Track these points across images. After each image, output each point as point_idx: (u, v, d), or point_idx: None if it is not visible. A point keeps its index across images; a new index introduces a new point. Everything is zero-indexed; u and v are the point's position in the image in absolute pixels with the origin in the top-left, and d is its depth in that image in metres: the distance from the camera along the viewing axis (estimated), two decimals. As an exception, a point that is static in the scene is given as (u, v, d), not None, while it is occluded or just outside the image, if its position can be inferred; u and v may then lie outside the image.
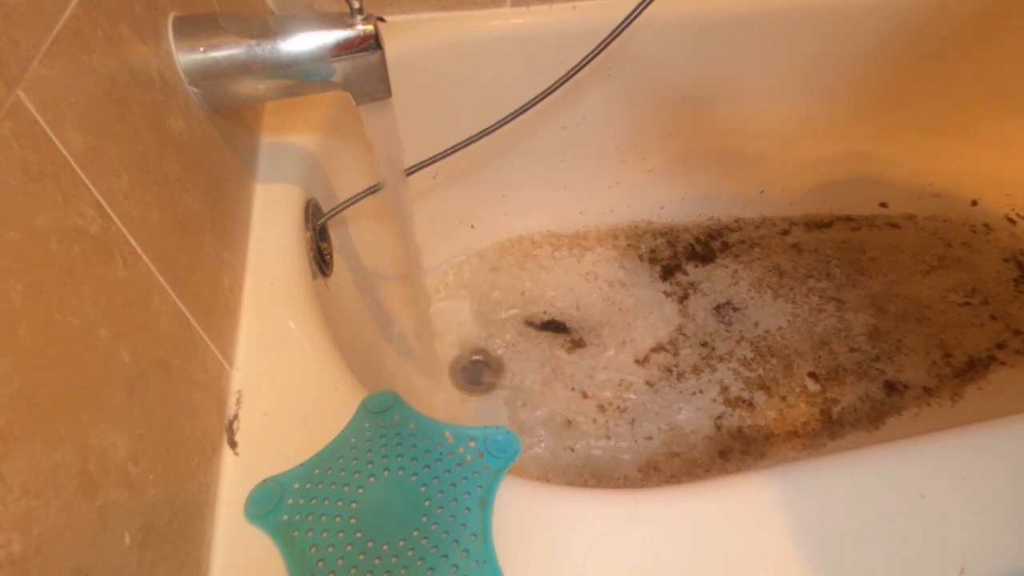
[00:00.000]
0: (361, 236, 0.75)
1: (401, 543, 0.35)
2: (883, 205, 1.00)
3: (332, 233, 0.63)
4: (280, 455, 0.41)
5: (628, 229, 0.99)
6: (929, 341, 0.84)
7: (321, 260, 0.57)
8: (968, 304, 0.88)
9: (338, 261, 0.63)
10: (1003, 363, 0.81)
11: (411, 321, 0.81)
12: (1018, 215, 0.96)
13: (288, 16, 0.47)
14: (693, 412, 0.80)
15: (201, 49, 0.45)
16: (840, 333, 0.86)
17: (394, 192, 0.56)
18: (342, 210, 0.57)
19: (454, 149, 0.57)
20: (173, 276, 0.38)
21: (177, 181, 0.41)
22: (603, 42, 0.55)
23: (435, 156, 0.57)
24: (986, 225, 0.96)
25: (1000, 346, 0.83)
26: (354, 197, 0.57)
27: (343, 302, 0.63)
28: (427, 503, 0.37)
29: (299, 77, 0.48)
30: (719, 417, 0.79)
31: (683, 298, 0.91)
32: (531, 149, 0.92)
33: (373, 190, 0.56)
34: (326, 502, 0.37)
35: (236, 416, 0.43)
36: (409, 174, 0.56)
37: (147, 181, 0.37)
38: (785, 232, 0.98)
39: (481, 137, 0.57)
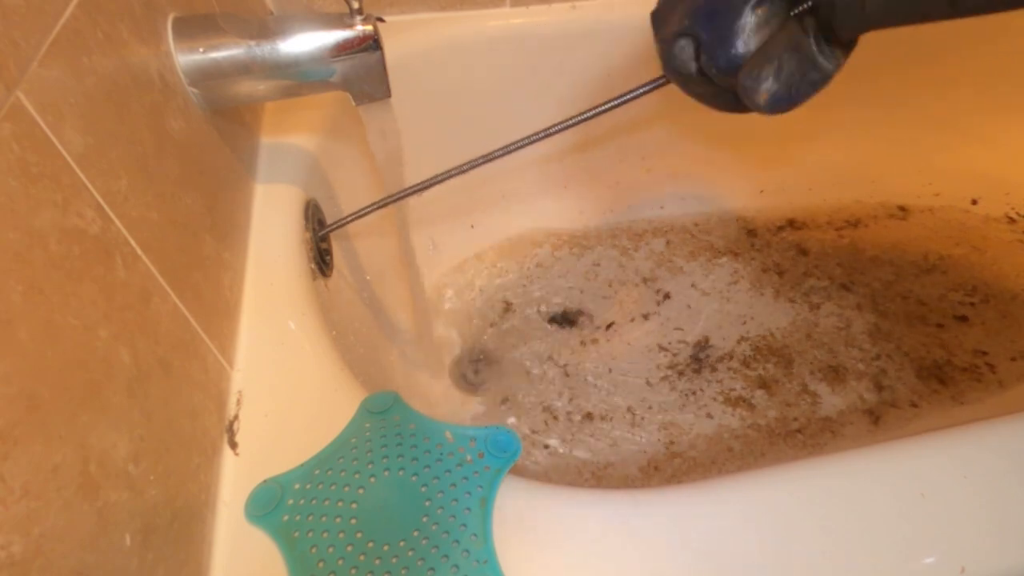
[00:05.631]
0: (361, 236, 0.75)
1: (402, 543, 0.35)
2: (883, 204, 1.00)
3: (331, 234, 0.63)
4: (280, 455, 0.41)
5: (628, 229, 0.99)
6: (930, 340, 0.84)
7: (321, 260, 0.57)
8: (969, 303, 0.88)
9: (338, 261, 0.63)
10: (1004, 362, 0.81)
11: (411, 321, 0.81)
12: (1018, 214, 0.96)
13: (287, 16, 0.47)
14: (693, 412, 0.80)
15: (201, 50, 0.45)
16: (840, 332, 0.86)
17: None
18: (346, 224, 0.57)
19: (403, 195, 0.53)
20: (173, 277, 0.38)
21: (177, 182, 0.41)
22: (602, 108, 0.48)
23: (379, 203, 0.53)
24: (987, 224, 0.96)
25: (1001, 345, 0.83)
26: (359, 211, 0.55)
27: (343, 302, 0.63)
28: (427, 503, 0.37)
29: (299, 77, 0.48)
30: (719, 417, 0.79)
31: (683, 297, 0.91)
32: (531, 149, 0.92)
33: (378, 205, 0.54)
34: (327, 502, 0.37)
35: (236, 417, 0.43)
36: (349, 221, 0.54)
37: (147, 182, 0.37)
38: (785, 231, 0.98)
39: (456, 174, 0.52)
